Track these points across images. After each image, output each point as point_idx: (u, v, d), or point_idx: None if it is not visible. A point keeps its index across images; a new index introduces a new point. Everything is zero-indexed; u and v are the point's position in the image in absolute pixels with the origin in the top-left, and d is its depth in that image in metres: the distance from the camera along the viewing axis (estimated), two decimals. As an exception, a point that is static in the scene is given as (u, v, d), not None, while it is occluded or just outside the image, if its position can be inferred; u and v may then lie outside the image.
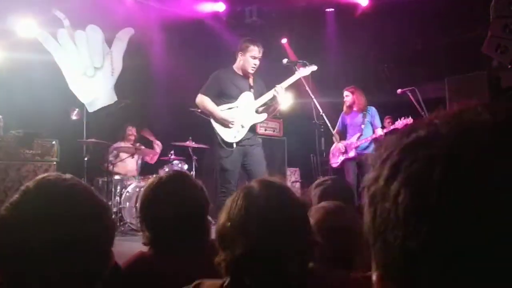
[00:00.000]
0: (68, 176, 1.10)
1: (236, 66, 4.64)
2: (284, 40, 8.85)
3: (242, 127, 4.50)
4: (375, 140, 5.96)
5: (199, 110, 6.67)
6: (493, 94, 6.74)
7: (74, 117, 6.73)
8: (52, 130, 6.04)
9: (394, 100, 6.55)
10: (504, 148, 0.43)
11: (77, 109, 6.77)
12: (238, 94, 4.54)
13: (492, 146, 0.43)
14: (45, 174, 1.07)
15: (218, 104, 4.52)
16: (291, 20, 8.37)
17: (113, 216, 5.93)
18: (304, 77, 4.49)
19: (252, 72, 4.54)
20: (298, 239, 1.13)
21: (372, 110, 6.25)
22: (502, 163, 0.42)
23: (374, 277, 0.50)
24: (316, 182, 2.43)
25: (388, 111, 7.97)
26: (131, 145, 6.85)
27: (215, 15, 8.61)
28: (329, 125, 4.57)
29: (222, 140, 4.45)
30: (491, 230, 0.40)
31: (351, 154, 5.98)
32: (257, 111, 4.62)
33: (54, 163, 5.69)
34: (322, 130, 4.62)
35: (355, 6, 8.37)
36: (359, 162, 5.93)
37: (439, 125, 0.47)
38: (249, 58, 4.49)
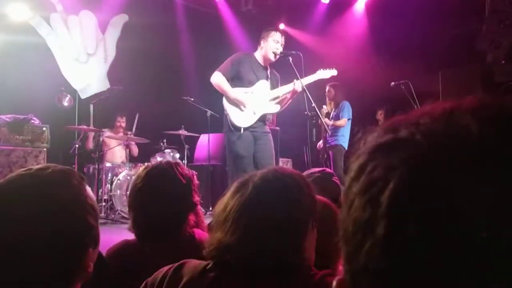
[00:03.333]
0: (55, 169, 1.05)
1: (257, 54, 4.58)
2: (281, 25, 8.81)
3: (254, 113, 4.42)
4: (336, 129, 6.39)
5: (192, 99, 6.68)
6: (486, 89, 6.75)
7: (65, 103, 6.68)
8: (43, 116, 5.99)
9: (387, 93, 6.56)
10: (477, 176, 0.37)
11: (68, 95, 6.72)
12: (255, 81, 4.48)
13: (463, 172, 0.37)
14: (24, 169, 1.04)
15: (233, 86, 4.43)
16: (286, 9, 8.32)
17: (101, 210, 5.92)
18: (297, 67, 4.47)
19: (273, 57, 4.46)
20: (295, 243, 1.10)
21: (344, 103, 6.50)
22: (467, 194, 0.37)
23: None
24: (305, 173, 2.42)
25: (382, 103, 7.98)
26: (120, 134, 6.83)
27: (211, 4, 8.55)
28: (320, 116, 4.56)
29: (231, 122, 4.36)
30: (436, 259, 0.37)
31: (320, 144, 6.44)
32: (271, 101, 4.58)
33: (45, 149, 5.65)
34: (314, 121, 4.62)
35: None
36: (327, 153, 6.39)
37: (420, 126, 0.41)
38: (271, 42, 4.45)
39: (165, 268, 1.18)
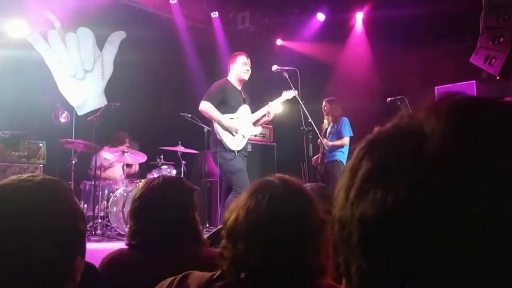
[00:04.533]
0: (46, 176, 1.06)
1: (231, 78, 4.90)
2: (279, 41, 8.88)
3: (243, 137, 4.80)
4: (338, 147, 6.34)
5: (189, 115, 6.69)
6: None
7: (62, 120, 6.68)
8: (40, 132, 5.98)
9: (384, 109, 6.58)
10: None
11: (66, 112, 6.72)
12: (238, 106, 4.82)
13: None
14: (16, 176, 1.04)
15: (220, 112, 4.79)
16: (282, 27, 8.41)
17: (90, 223, 5.88)
18: (294, 83, 4.58)
19: (246, 78, 4.84)
20: (312, 253, 1.10)
21: (343, 120, 6.47)
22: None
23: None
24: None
25: (378, 119, 8.01)
26: (120, 151, 6.81)
27: (208, 21, 8.63)
28: (317, 131, 4.59)
29: (226, 146, 4.68)
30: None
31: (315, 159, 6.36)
32: (253, 123, 4.98)
33: (41, 165, 5.63)
34: (311, 136, 4.65)
35: (348, 15, 8.44)
36: (325, 168, 6.34)
37: (409, 120, 0.44)
38: (241, 65, 4.81)
39: (169, 280, 1.18)
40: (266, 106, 4.88)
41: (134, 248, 1.68)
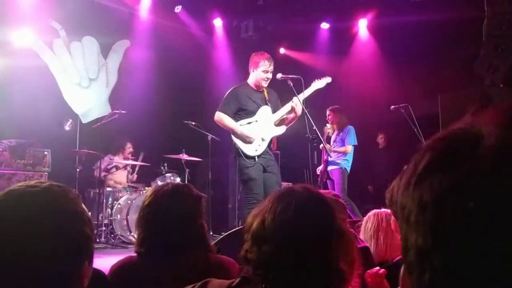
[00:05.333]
0: (53, 182, 1.06)
1: (250, 81, 4.72)
2: (282, 50, 8.92)
3: (263, 140, 4.61)
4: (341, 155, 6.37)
5: (193, 123, 6.71)
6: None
7: (67, 128, 6.70)
8: (45, 140, 6.01)
9: (387, 117, 6.59)
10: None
11: (70, 120, 6.75)
12: (256, 109, 4.65)
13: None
14: (24, 182, 1.05)
15: (237, 120, 4.61)
16: (286, 35, 8.44)
17: (95, 231, 5.89)
18: (297, 90, 4.54)
19: (265, 85, 4.65)
20: (333, 258, 1.13)
21: (349, 128, 6.49)
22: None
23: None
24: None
25: (382, 127, 8.02)
26: (125, 158, 6.85)
27: (212, 30, 8.68)
28: (321, 139, 4.58)
29: (244, 153, 4.53)
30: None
31: (321, 168, 6.42)
32: (275, 124, 4.73)
33: (46, 173, 5.65)
34: (315, 144, 4.63)
35: (352, 23, 8.48)
36: (328, 176, 6.39)
37: (468, 123, 0.51)
38: (261, 73, 4.60)
39: (189, 287, 1.19)
40: (290, 102, 4.62)
41: (142, 256, 1.68)
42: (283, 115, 4.70)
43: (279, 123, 4.74)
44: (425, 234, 0.47)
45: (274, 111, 4.71)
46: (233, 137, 4.56)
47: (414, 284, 0.50)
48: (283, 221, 1.13)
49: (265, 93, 4.70)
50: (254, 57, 4.69)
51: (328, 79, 4.89)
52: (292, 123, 4.74)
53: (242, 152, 4.52)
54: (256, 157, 4.52)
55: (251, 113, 4.62)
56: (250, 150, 4.54)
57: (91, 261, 1.05)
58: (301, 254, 1.10)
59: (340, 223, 1.19)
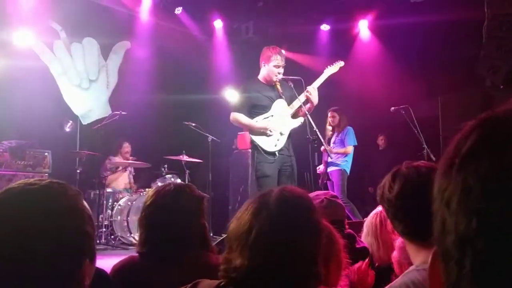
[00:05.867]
0: (52, 180, 1.06)
1: (261, 76, 4.60)
2: (282, 52, 8.91)
3: (281, 134, 4.47)
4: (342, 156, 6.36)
5: (193, 124, 6.71)
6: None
7: (67, 129, 6.71)
8: (45, 141, 6.01)
9: (387, 118, 6.59)
10: None
11: (70, 121, 6.76)
12: (270, 104, 4.51)
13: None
14: (23, 180, 1.04)
15: (252, 117, 4.48)
16: (287, 36, 8.44)
17: (96, 230, 5.89)
18: (297, 91, 4.50)
19: (276, 80, 4.50)
20: (304, 266, 1.11)
21: (348, 129, 6.49)
22: None
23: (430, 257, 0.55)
24: (311, 195, 2.43)
25: (382, 129, 8.02)
26: (125, 159, 6.86)
27: (212, 31, 8.69)
28: (322, 140, 4.57)
29: (264, 150, 4.39)
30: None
31: (321, 168, 6.40)
32: (292, 116, 4.59)
33: (46, 174, 5.65)
34: (316, 145, 4.62)
35: (353, 25, 8.49)
36: (328, 177, 6.37)
37: None
38: (272, 68, 4.48)
39: None
40: (304, 92, 4.45)
41: (144, 256, 1.68)
42: (299, 107, 4.53)
43: (295, 114, 4.60)
44: (469, 218, 0.46)
45: (289, 103, 4.56)
46: (251, 136, 4.45)
47: (451, 271, 0.49)
48: (253, 227, 1.11)
49: (278, 85, 4.56)
50: (266, 51, 4.57)
51: (341, 63, 4.80)
52: (310, 111, 4.59)
53: (262, 148, 4.38)
54: (276, 152, 4.39)
55: (265, 108, 4.49)
56: (270, 145, 4.40)
57: (92, 259, 1.04)
58: (270, 259, 1.08)
59: (318, 224, 1.17)
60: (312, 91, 4.43)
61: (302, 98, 4.48)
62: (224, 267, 1.13)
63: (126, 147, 6.99)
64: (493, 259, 0.45)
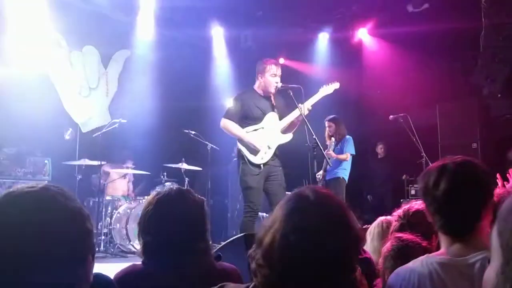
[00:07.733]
0: (49, 183, 1.08)
1: (257, 87, 4.62)
2: (281, 60, 8.97)
3: (269, 148, 4.50)
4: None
5: (193, 132, 6.73)
6: (483, 122, 6.83)
7: (67, 137, 6.72)
8: (45, 149, 6.02)
9: (386, 126, 6.61)
10: None
11: (70, 129, 6.77)
12: (262, 116, 4.54)
13: None
14: (11, 189, 1.06)
15: (242, 126, 4.51)
16: (285, 44, 8.49)
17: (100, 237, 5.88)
18: (297, 100, 4.52)
19: (274, 91, 4.53)
20: (348, 270, 1.09)
21: (347, 139, 6.46)
22: None
23: None
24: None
25: (381, 137, 8.05)
26: (122, 167, 6.86)
27: (211, 39, 8.73)
28: (321, 148, 4.58)
29: (249, 161, 4.43)
30: None
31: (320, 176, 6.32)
32: (282, 131, 4.63)
33: (46, 181, 5.65)
34: (315, 153, 4.62)
35: (350, 34, 8.55)
36: (327, 186, 6.24)
37: None
38: (269, 78, 4.50)
39: None
40: (296, 110, 4.46)
41: (147, 263, 1.66)
42: (290, 121, 4.58)
43: (286, 129, 4.64)
44: None
45: (281, 117, 4.61)
46: (238, 143, 4.48)
47: None
48: (294, 248, 1.04)
49: (272, 99, 4.59)
50: (260, 64, 4.60)
51: (336, 85, 4.82)
52: (296, 128, 4.63)
53: (248, 159, 4.42)
54: (262, 165, 4.43)
55: (257, 120, 4.52)
56: (256, 158, 4.44)
57: (93, 256, 1.06)
58: (313, 273, 1.04)
59: (357, 230, 1.13)
60: (304, 110, 4.43)
61: (294, 114, 4.54)
62: (262, 279, 1.08)
63: (130, 164, 6.94)
64: None
